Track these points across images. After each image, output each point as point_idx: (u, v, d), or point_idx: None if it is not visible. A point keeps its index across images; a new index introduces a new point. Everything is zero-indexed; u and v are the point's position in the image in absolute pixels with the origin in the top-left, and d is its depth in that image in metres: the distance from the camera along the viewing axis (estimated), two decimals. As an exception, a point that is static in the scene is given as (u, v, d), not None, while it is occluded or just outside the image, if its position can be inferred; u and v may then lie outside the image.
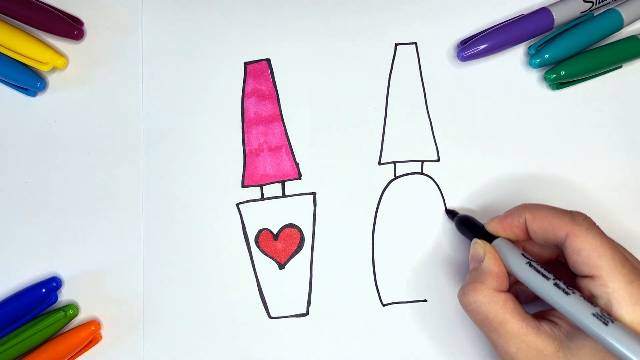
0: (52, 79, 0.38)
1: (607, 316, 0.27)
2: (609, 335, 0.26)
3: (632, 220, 0.38)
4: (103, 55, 0.38)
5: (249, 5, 0.38)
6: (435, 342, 0.37)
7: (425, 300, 0.38)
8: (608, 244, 0.29)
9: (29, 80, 0.36)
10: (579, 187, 0.39)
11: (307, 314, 0.38)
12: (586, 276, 0.29)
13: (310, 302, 0.38)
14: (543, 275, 0.29)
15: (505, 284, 0.31)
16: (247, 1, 0.38)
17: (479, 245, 0.33)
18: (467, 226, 0.35)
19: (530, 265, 0.30)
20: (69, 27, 0.37)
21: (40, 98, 0.38)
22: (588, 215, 0.30)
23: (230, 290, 0.37)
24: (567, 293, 0.28)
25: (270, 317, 0.37)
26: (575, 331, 0.29)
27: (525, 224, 0.32)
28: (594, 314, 0.27)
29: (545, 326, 0.29)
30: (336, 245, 0.38)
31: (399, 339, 0.38)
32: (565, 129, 0.39)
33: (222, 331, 0.37)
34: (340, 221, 0.38)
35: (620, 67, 0.39)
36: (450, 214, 0.37)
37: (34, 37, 0.36)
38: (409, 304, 0.38)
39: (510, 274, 0.31)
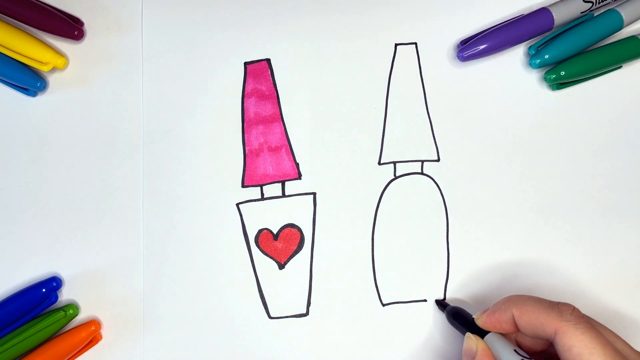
0: (52, 79, 0.38)
1: None
2: None
3: (632, 220, 0.38)
4: (103, 55, 0.38)
5: (249, 5, 0.38)
6: (435, 342, 0.37)
7: (425, 300, 0.38)
8: (598, 339, 0.29)
9: (29, 80, 0.36)
10: (579, 188, 0.39)
11: (307, 314, 0.38)
12: None
13: (310, 302, 0.38)
14: None
15: None
16: (247, 1, 0.38)
17: (471, 340, 0.33)
18: (458, 320, 0.35)
19: None
20: (69, 27, 0.37)
21: (40, 98, 0.38)
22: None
23: (230, 290, 0.37)
24: None
25: (270, 317, 0.37)
26: None
27: (514, 319, 0.31)
28: None
29: None
30: (336, 245, 0.38)
31: (399, 339, 0.38)
32: (565, 129, 0.39)
33: (222, 331, 0.37)
34: (340, 221, 0.38)
35: (620, 67, 0.39)
36: (441, 305, 0.37)
37: (34, 37, 0.36)
38: (409, 304, 0.38)
39: None
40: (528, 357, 0.31)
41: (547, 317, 0.30)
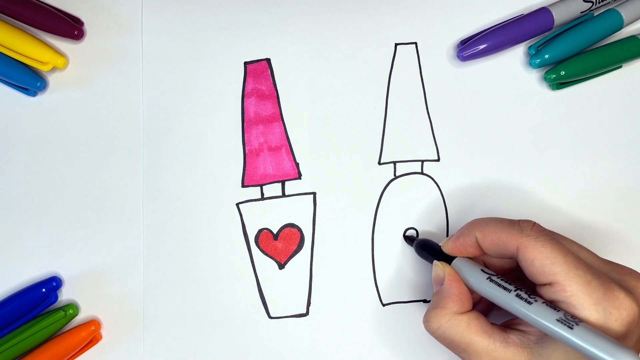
0: (52, 79, 0.38)
1: (571, 319, 0.27)
2: (577, 338, 0.26)
3: (632, 220, 0.38)
4: (103, 55, 0.38)
5: (249, 5, 0.38)
6: (435, 342, 0.37)
7: (425, 300, 0.38)
8: (559, 249, 0.28)
9: (29, 80, 0.36)
10: (579, 187, 0.39)
11: (307, 314, 0.38)
12: (545, 284, 0.29)
13: (310, 302, 0.38)
14: (504, 288, 0.29)
15: (467, 304, 0.31)
16: (247, 1, 0.38)
17: (438, 267, 0.33)
18: (427, 250, 0.35)
19: (491, 280, 0.30)
20: (69, 27, 0.37)
21: (40, 98, 0.38)
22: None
23: (230, 290, 0.37)
24: (529, 302, 0.28)
25: (270, 317, 0.37)
26: (545, 337, 0.29)
27: (477, 242, 0.32)
28: (558, 320, 0.27)
29: (514, 336, 0.29)
30: (336, 245, 0.38)
31: (399, 339, 0.38)
32: (565, 129, 0.39)
33: (222, 331, 0.37)
34: (340, 221, 0.38)
35: (620, 67, 0.39)
36: (409, 239, 0.37)
37: (34, 37, 0.36)
38: (409, 304, 0.38)
39: (473, 292, 0.31)
40: (495, 274, 0.31)
41: (508, 235, 0.30)
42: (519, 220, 0.30)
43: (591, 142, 0.39)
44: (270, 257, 0.38)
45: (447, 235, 0.38)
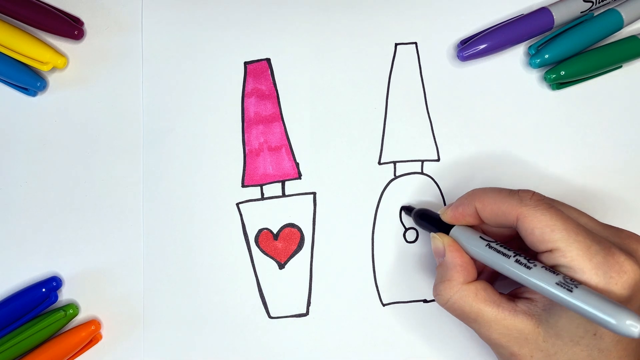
0: (52, 79, 0.38)
1: (570, 282, 0.27)
2: (576, 300, 0.26)
3: (632, 220, 0.38)
4: (103, 55, 0.38)
5: (249, 5, 0.38)
6: (435, 342, 0.38)
7: (425, 300, 0.38)
8: (558, 216, 0.29)
9: (29, 80, 0.36)
10: (579, 187, 0.39)
11: (307, 314, 0.38)
12: (545, 252, 0.29)
13: (310, 302, 0.38)
14: (503, 254, 0.29)
15: (472, 273, 0.31)
16: (247, 1, 0.38)
17: (437, 239, 0.33)
18: (426, 219, 0.35)
19: (490, 247, 0.30)
20: (69, 27, 0.37)
21: (40, 98, 0.38)
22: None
23: (230, 290, 0.37)
24: (529, 267, 0.28)
25: (270, 317, 0.37)
26: (552, 304, 0.29)
27: (477, 212, 0.32)
28: (557, 283, 0.27)
29: (521, 305, 0.30)
30: (336, 245, 0.38)
31: (399, 339, 0.38)
32: (565, 129, 0.39)
33: (222, 331, 0.37)
34: (340, 221, 0.38)
35: (620, 67, 0.39)
36: (407, 209, 0.37)
37: (34, 37, 0.36)
38: (409, 304, 0.38)
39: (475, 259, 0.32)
40: (494, 240, 0.31)
41: (507, 205, 0.30)
42: (519, 190, 0.30)
43: (591, 142, 0.39)
44: (270, 257, 0.38)
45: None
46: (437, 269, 0.32)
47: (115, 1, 0.38)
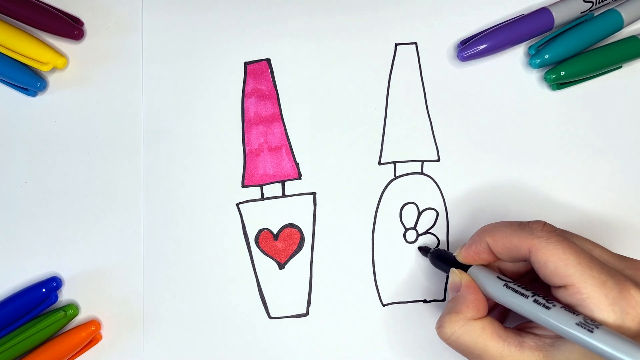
0: (52, 79, 0.38)
1: (591, 323, 0.26)
2: (597, 341, 0.26)
3: (632, 220, 0.38)
4: (103, 55, 0.38)
5: (249, 5, 0.38)
6: (435, 342, 0.37)
7: (425, 300, 0.38)
8: (571, 249, 0.28)
9: (29, 80, 0.36)
10: (579, 187, 0.39)
11: (307, 314, 0.38)
12: (560, 286, 0.28)
13: (310, 302, 0.38)
14: (521, 294, 0.29)
15: (483, 310, 0.31)
16: (247, 1, 0.38)
17: (455, 274, 0.32)
18: (442, 260, 0.35)
19: (507, 287, 0.30)
20: (69, 27, 0.37)
21: (40, 98, 0.38)
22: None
23: (230, 290, 0.37)
24: (547, 307, 0.28)
25: (270, 317, 0.37)
26: (559, 339, 0.28)
27: (489, 247, 0.31)
28: (577, 324, 0.27)
29: (528, 340, 0.29)
30: (336, 245, 0.38)
31: (399, 339, 0.38)
32: (565, 129, 0.39)
33: (222, 331, 0.37)
34: (340, 221, 0.38)
35: (620, 67, 0.39)
36: (424, 250, 0.37)
37: (34, 37, 0.36)
38: (409, 304, 0.38)
39: (490, 299, 0.31)
40: (511, 280, 0.30)
41: (519, 238, 0.30)
42: (529, 222, 0.30)
43: (591, 142, 0.39)
44: (270, 257, 0.38)
45: (447, 236, 0.38)
46: (448, 302, 0.32)
47: (115, 1, 0.38)
